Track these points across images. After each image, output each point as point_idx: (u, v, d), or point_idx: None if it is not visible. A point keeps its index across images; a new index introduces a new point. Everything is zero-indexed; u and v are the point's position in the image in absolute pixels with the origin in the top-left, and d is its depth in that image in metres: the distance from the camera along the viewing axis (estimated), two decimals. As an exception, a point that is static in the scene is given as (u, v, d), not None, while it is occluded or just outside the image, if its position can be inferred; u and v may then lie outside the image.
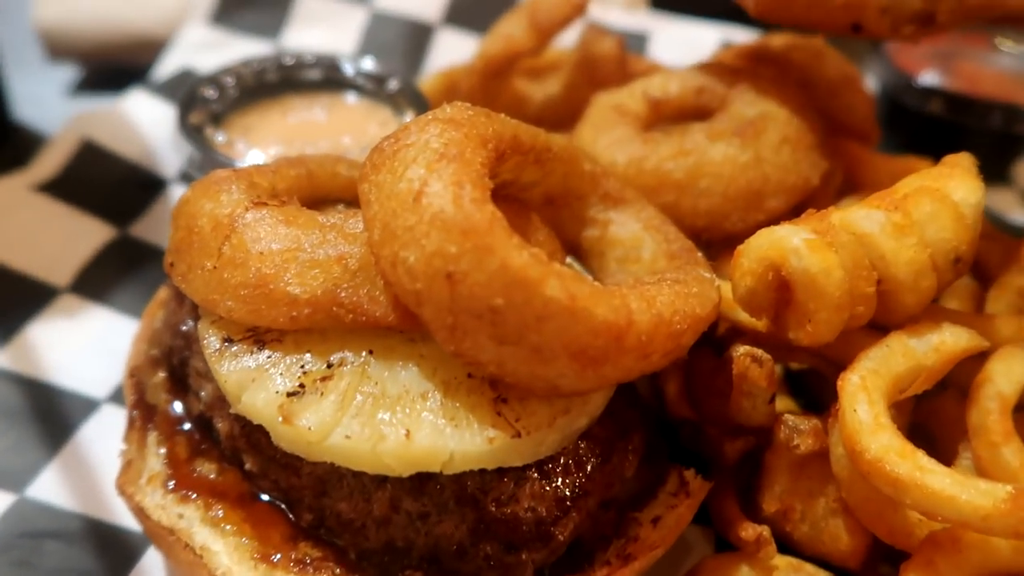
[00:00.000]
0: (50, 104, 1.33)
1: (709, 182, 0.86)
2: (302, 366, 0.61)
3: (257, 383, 0.61)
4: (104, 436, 0.80)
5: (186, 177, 1.09)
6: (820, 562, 0.71)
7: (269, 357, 0.62)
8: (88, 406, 0.83)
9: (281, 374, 0.61)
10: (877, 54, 1.35)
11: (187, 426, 0.71)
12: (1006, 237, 0.87)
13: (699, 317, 0.64)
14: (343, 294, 0.61)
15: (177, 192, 1.10)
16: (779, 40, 1.02)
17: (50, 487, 0.74)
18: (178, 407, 0.73)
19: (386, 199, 0.58)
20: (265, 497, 0.66)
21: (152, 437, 0.70)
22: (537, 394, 0.60)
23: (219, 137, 1.00)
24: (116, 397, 0.84)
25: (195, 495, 0.66)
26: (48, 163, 1.06)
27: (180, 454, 0.69)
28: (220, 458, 0.69)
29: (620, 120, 0.94)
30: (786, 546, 0.72)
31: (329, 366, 0.61)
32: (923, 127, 1.26)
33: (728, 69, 0.97)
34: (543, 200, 0.77)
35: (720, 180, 0.86)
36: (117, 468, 0.74)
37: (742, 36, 1.38)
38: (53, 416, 0.80)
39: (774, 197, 0.87)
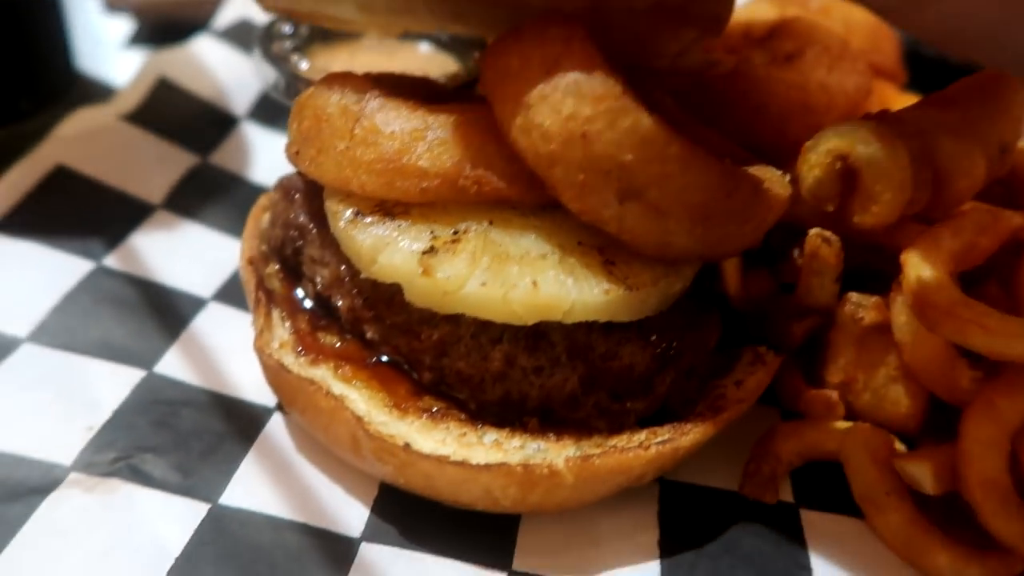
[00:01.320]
0: (107, 54, 1.39)
1: (763, 100, 0.94)
2: (431, 232, 0.68)
3: (391, 247, 0.67)
4: (215, 327, 0.86)
5: (267, 102, 1.15)
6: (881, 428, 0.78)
7: (399, 226, 0.68)
8: (196, 303, 0.89)
9: (412, 238, 0.67)
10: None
11: (305, 306, 0.78)
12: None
13: (780, 198, 0.72)
14: (468, 168, 0.68)
15: (248, 128, 1.16)
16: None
17: (175, 366, 0.80)
18: (295, 293, 0.79)
19: (514, 80, 0.65)
20: (386, 359, 0.73)
21: (276, 314, 0.77)
22: (646, 253, 0.67)
23: (303, 65, 1.06)
24: (220, 296, 0.90)
25: (324, 357, 0.72)
26: (129, 98, 1.12)
27: (303, 328, 0.76)
28: (340, 331, 0.75)
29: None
30: (849, 415, 0.79)
31: (455, 232, 0.68)
32: (941, 74, 1.35)
33: (774, 8, 1.06)
34: None
35: (774, 98, 0.93)
36: (234, 351, 0.80)
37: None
38: (166, 309, 0.86)
39: (821, 114, 0.95)
